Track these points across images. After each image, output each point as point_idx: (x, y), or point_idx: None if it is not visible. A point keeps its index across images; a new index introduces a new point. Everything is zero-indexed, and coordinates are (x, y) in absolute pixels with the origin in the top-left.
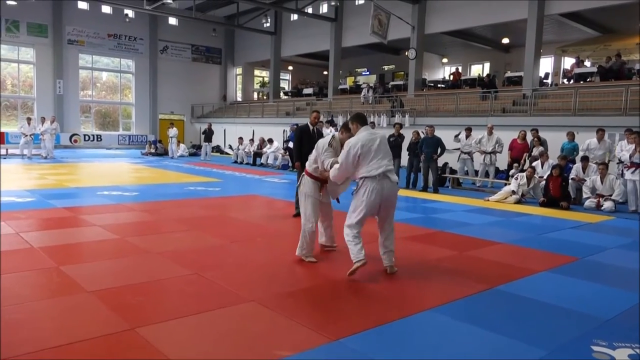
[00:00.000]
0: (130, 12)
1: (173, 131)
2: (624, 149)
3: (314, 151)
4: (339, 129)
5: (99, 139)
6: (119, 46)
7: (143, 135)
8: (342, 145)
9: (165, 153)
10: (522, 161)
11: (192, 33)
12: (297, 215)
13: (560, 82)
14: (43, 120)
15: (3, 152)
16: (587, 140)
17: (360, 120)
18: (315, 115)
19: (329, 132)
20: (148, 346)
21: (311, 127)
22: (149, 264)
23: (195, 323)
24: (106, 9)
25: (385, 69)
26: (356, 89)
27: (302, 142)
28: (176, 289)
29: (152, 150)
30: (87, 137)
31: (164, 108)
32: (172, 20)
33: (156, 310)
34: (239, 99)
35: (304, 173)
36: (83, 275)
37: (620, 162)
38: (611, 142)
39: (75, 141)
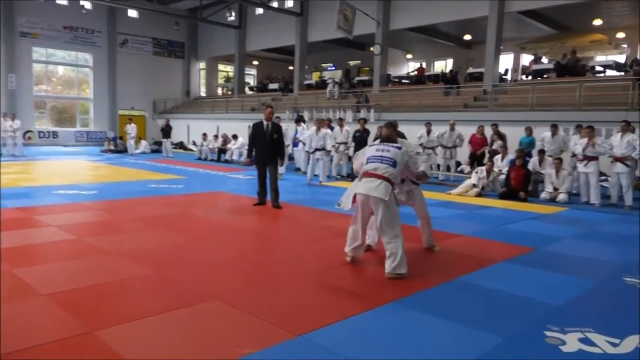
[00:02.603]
0: (87, 4)
1: (131, 127)
2: (577, 143)
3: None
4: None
5: (55, 136)
6: (76, 39)
7: (102, 132)
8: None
9: (125, 150)
10: (479, 154)
11: (153, 26)
12: (260, 204)
13: (519, 78)
14: (13, 117)
15: None
16: (542, 134)
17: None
18: (270, 110)
19: (301, 129)
20: (106, 349)
21: (265, 123)
22: (107, 265)
23: (156, 324)
24: (61, 0)
25: (351, 64)
26: (322, 85)
27: (255, 138)
28: (136, 289)
29: (112, 147)
30: (42, 134)
31: (124, 103)
32: (132, 13)
33: (115, 312)
34: (203, 94)
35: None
36: (37, 278)
37: (574, 155)
38: (565, 136)
39: (30, 138)
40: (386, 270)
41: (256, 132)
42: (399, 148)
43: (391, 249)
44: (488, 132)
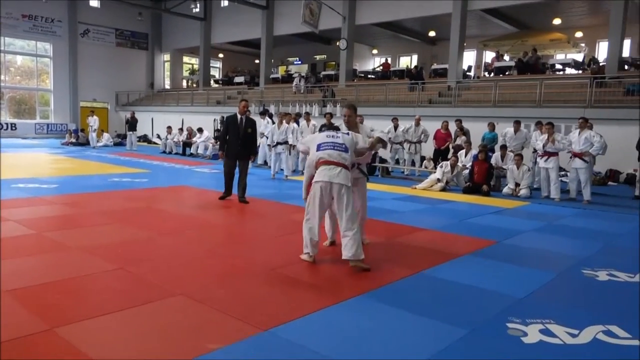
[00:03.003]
0: None
1: (93, 119)
2: (538, 139)
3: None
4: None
5: (14, 128)
6: (35, 28)
7: (63, 124)
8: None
9: (87, 143)
10: (443, 149)
11: (116, 16)
12: (225, 197)
13: (482, 75)
14: None
15: None
16: (504, 130)
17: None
18: (244, 104)
19: (265, 122)
20: (68, 347)
21: (239, 117)
22: (69, 260)
23: (120, 320)
24: None
25: (317, 58)
26: (288, 79)
27: (228, 132)
28: (99, 285)
29: (73, 140)
30: (0, 126)
31: (86, 95)
32: (94, 2)
33: (78, 309)
34: (167, 86)
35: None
36: None
37: (535, 151)
38: (527, 133)
39: None
40: (349, 257)
41: (229, 125)
42: (347, 134)
43: (353, 235)
44: (452, 127)
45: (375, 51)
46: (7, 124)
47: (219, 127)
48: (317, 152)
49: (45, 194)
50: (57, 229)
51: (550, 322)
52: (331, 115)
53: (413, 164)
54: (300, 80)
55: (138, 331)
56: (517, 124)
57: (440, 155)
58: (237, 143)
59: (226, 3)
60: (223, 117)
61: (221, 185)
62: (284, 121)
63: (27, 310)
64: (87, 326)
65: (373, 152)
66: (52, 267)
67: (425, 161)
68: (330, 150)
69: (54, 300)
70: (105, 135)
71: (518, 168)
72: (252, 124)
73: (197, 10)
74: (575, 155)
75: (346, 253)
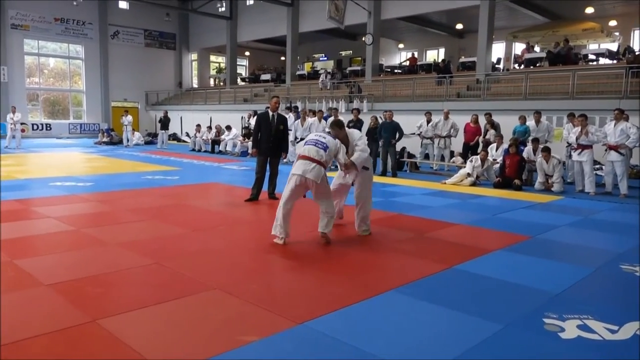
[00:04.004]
0: None
1: (127, 119)
2: (570, 132)
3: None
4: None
5: (49, 128)
6: (67, 31)
7: (95, 124)
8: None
9: (119, 142)
10: (472, 144)
11: (144, 17)
12: (252, 199)
13: (512, 67)
14: (14, 109)
15: None
16: (527, 123)
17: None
18: (276, 100)
19: (288, 117)
20: (110, 337)
21: (271, 114)
22: (107, 255)
23: (158, 312)
24: None
25: (343, 54)
26: (314, 75)
27: (261, 130)
28: (137, 279)
29: (105, 139)
30: (35, 126)
31: (117, 95)
32: (123, 4)
33: (117, 302)
34: (195, 85)
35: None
36: (39, 268)
37: (569, 144)
38: (549, 124)
39: (23, 130)
40: (319, 229)
41: (261, 123)
42: (335, 139)
43: (325, 214)
44: (482, 121)
45: (401, 45)
46: (42, 124)
47: (246, 125)
48: (302, 147)
49: (82, 191)
50: (94, 225)
51: (589, 317)
52: (358, 111)
53: (442, 158)
54: (326, 77)
55: (176, 323)
56: (537, 114)
57: (469, 150)
58: (269, 140)
59: (252, 1)
60: (256, 112)
61: (249, 182)
62: (307, 117)
63: (69, 302)
64: (127, 318)
65: (354, 169)
66: (91, 262)
67: (454, 157)
68: (311, 146)
69: (95, 294)
70: (136, 134)
71: (547, 162)
72: (283, 120)
73: (223, 9)
74: (611, 147)
75: (319, 226)
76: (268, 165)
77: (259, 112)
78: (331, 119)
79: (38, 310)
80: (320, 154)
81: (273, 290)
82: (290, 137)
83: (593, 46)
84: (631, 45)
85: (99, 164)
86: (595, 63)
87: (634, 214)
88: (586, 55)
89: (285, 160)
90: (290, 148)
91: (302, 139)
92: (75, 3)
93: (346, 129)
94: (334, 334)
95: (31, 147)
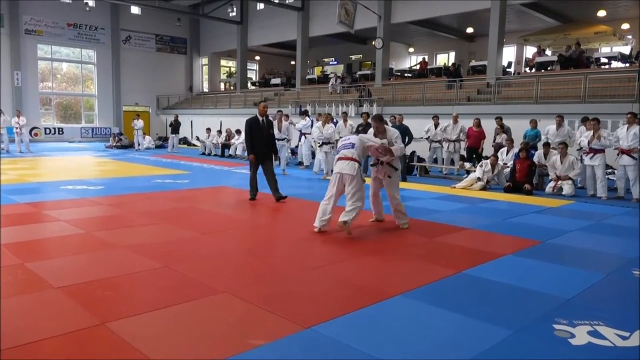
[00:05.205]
0: (90, 1)
1: (139, 123)
2: (583, 136)
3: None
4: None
5: (61, 132)
6: (80, 36)
7: (107, 128)
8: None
9: (130, 145)
10: (480, 150)
11: (155, 22)
12: (253, 198)
13: (523, 71)
14: (19, 114)
15: None
16: (547, 127)
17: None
18: (264, 105)
19: (304, 122)
20: (119, 340)
21: (260, 119)
22: (117, 258)
23: (167, 316)
24: None
25: (353, 58)
26: (324, 79)
27: (253, 134)
28: (146, 282)
29: (117, 143)
30: (48, 130)
31: (128, 99)
32: (135, 10)
33: (126, 305)
34: (206, 89)
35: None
36: (49, 271)
37: (580, 148)
38: (570, 129)
39: (36, 134)
40: (340, 220)
41: (253, 128)
42: (357, 135)
43: (351, 208)
44: (491, 124)
45: (411, 49)
46: (54, 128)
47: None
48: (338, 153)
49: (92, 195)
50: (104, 228)
51: (599, 323)
52: (368, 115)
53: (452, 162)
54: (336, 81)
55: (185, 327)
56: (559, 118)
57: (473, 153)
58: (263, 144)
59: (262, 6)
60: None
61: (260, 186)
62: (327, 121)
63: (79, 305)
64: (136, 321)
65: (390, 153)
66: (101, 265)
67: (460, 162)
68: (343, 149)
69: (104, 297)
70: (147, 138)
71: (563, 158)
72: (271, 124)
73: (234, 14)
74: (623, 151)
75: (340, 217)
76: (263, 170)
77: (248, 118)
78: (340, 122)
79: (47, 312)
80: (351, 152)
81: (281, 294)
82: (312, 140)
83: (605, 49)
84: None
85: (109, 168)
86: (607, 66)
87: None
88: (598, 59)
89: (276, 162)
90: (303, 152)
91: (324, 143)
92: (88, 8)
93: (386, 127)
94: (342, 339)
95: (43, 151)
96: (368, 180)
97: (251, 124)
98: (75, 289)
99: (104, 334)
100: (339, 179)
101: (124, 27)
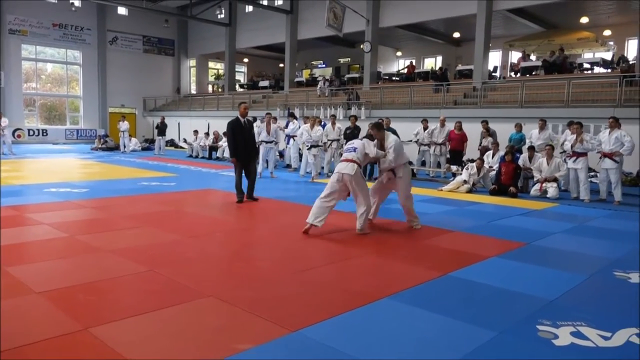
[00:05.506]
0: (76, 1)
1: (124, 125)
2: (567, 139)
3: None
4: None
5: (45, 134)
6: (65, 36)
7: (92, 130)
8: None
9: (115, 148)
10: (464, 153)
11: (143, 24)
12: (241, 201)
13: (508, 76)
14: (0, 115)
15: None
16: (531, 131)
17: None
18: (245, 107)
19: (292, 125)
20: (102, 346)
21: (242, 120)
22: (101, 262)
23: (151, 320)
24: None
25: (341, 61)
26: (312, 82)
27: (236, 136)
28: (131, 286)
29: (102, 145)
30: (31, 132)
31: (114, 101)
32: (122, 10)
33: (110, 309)
34: (193, 91)
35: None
36: (31, 275)
37: (564, 151)
38: (552, 133)
39: (19, 136)
40: (357, 228)
41: (236, 129)
42: (361, 140)
43: (360, 211)
44: (477, 128)
45: (399, 53)
46: (38, 130)
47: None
48: (342, 156)
49: (77, 198)
50: (88, 232)
51: (582, 324)
52: (355, 117)
53: (439, 165)
54: (324, 84)
55: (169, 331)
56: (542, 121)
57: (456, 156)
58: (245, 145)
59: (251, 8)
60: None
61: (244, 188)
62: (315, 124)
63: (61, 310)
64: (120, 326)
65: (387, 163)
66: (85, 269)
67: (446, 165)
68: (346, 152)
69: (87, 301)
70: (134, 140)
71: (548, 160)
72: (252, 125)
73: (222, 16)
74: (606, 155)
75: (358, 225)
76: (245, 172)
77: (230, 120)
78: (328, 125)
79: (28, 318)
80: (352, 155)
81: (267, 298)
82: (300, 143)
83: (588, 55)
84: (625, 55)
85: (94, 170)
86: (590, 72)
87: (628, 221)
88: (581, 64)
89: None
90: (290, 154)
91: (312, 146)
92: (73, 9)
93: (385, 132)
94: (328, 342)
95: (26, 153)
96: (370, 185)
97: (234, 126)
98: (57, 294)
99: (87, 339)
100: (338, 178)
101: (110, 28)
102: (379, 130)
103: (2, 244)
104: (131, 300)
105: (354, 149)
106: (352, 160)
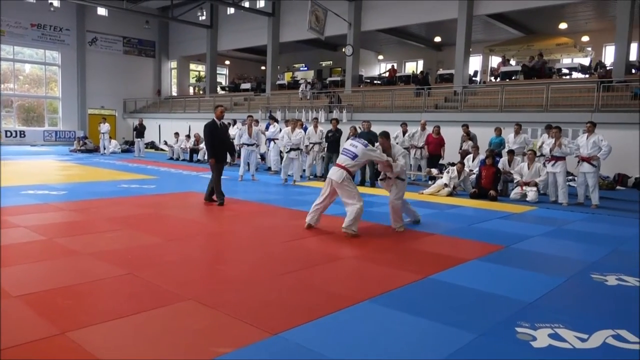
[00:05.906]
0: (55, 1)
1: (105, 127)
2: (545, 143)
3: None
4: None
5: (23, 135)
6: (44, 37)
7: (71, 131)
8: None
9: (95, 150)
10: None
11: (123, 25)
12: (221, 204)
13: (488, 80)
14: None
15: None
16: (509, 135)
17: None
18: (221, 110)
19: (273, 128)
20: (80, 350)
21: (218, 122)
22: (79, 265)
23: (130, 324)
24: None
25: (323, 65)
26: (294, 85)
27: (214, 138)
28: (109, 290)
29: (81, 147)
30: (9, 133)
31: (94, 103)
32: (101, 11)
33: (88, 313)
34: (175, 93)
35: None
36: (7, 279)
37: (542, 155)
38: (527, 137)
39: None
40: (342, 225)
41: (213, 132)
42: (366, 145)
43: (349, 211)
44: (457, 132)
45: (381, 57)
46: (16, 131)
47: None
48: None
49: (55, 200)
50: (67, 235)
51: (560, 326)
52: (337, 121)
53: (419, 169)
54: (306, 87)
55: (149, 335)
56: (517, 126)
57: (434, 160)
58: (221, 147)
59: (232, 11)
60: (235, 121)
61: (228, 191)
62: (296, 127)
63: (38, 314)
64: (98, 330)
65: (392, 168)
66: (63, 273)
67: (427, 169)
68: (343, 156)
69: (65, 305)
70: (113, 142)
71: (530, 165)
72: (227, 128)
73: (204, 18)
74: (583, 159)
75: (343, 223)
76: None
77: (206, 122)
78: (310, 128)
79: (5, 323)
80: (347, 162)
81: (248, 301)
82: (281, 147)
83: (566, 61)
84: (603, 61)
85: (73, 172)
86: (568, 77)
87: (605, 224)
88: (560, 70)
89: (234, 162)
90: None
91: (292, 149)
92: (52, 9)
93: (392, 143)
94: (309, 345)
95: (3, 155)
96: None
97: (211, 129)
98: (34, 298)
99: (65, 343)
100: (327, 183)
101: (90, 28)
102: (387, 139)
103: None
104: (110, 304)
105: (354, 156)
106: (344, 167)
